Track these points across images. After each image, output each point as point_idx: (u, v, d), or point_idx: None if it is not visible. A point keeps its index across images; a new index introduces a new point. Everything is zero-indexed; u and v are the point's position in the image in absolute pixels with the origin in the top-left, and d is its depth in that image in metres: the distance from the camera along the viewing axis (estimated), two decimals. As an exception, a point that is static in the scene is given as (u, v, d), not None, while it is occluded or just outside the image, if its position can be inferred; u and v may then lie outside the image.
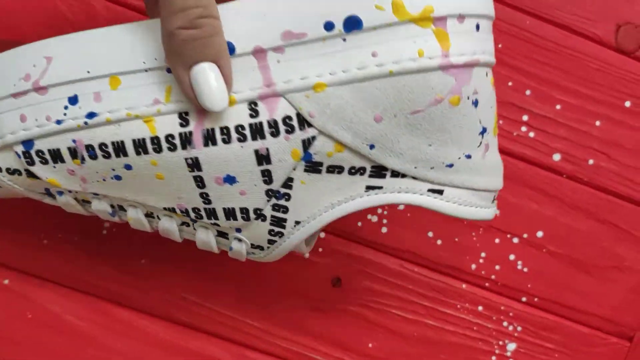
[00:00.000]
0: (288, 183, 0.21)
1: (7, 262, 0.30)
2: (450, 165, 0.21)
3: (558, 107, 0.32)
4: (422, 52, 0.19)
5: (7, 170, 0.22)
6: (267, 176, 0.21)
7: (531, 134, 0.32)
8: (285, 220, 0.22)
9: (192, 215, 0.22)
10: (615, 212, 0.33)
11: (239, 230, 0.22)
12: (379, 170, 0.21)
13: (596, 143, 0.32)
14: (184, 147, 0.20)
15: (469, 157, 0.21)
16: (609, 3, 0.32)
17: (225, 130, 0.20)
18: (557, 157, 0.32)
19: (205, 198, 0.21)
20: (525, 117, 0.32)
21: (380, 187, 0.21)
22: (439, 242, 0.32)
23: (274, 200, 0.21)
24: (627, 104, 0.32)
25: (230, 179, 0.21)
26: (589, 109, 0.32)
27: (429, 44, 0.19)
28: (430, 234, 0.32)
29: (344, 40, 0.19)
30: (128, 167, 0.21)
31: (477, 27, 0.20)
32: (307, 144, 0.20)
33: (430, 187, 0.21)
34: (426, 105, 0.20)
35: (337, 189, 0.21)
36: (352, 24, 0.19)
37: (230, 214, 0.22)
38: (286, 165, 0.21)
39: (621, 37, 0.32)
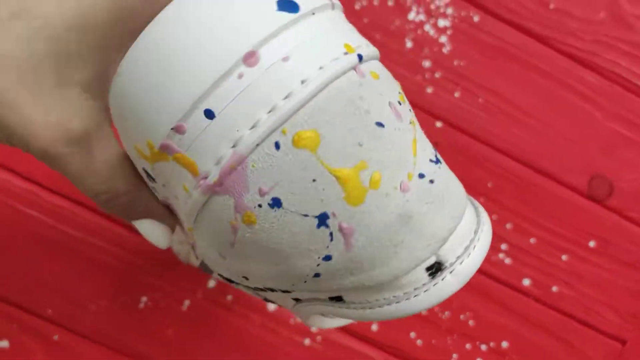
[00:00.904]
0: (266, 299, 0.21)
1: (58, 321, 0.35)
2: (317, 275, 0.16)
3: (532, 240, 0.38)
4: (186, 188, 0.16)
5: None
6: (258, 293, 0.20)
7: (507, 261, 0.38)
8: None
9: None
10: (572, 332, 0.38)
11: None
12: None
13: (561, 274, 0.38)
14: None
15: (328, 258, 0.16)
16: (585, 157, 0.38)
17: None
18: (526, 281, 0.38)
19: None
20: (503, 246, 0.38)
21: (299, 300, 0.18)
22: (418, 342, 0.38)
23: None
24: (592, 244, 0.38)
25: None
26: (558, 245, 0.38)
27: (182, 177, 0.16)
28: (413, 335, 0.38)
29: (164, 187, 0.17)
30: None
31: (209, 113, 0.15)
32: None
33: (328, 295, 0.17)
34: (232, 239, 0.16)
35: (279, 300, 0.20)
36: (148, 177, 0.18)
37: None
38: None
39: (592, 187, 0.38)
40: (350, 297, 0.17)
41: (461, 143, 0.37)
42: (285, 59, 0.14)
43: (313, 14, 0.15)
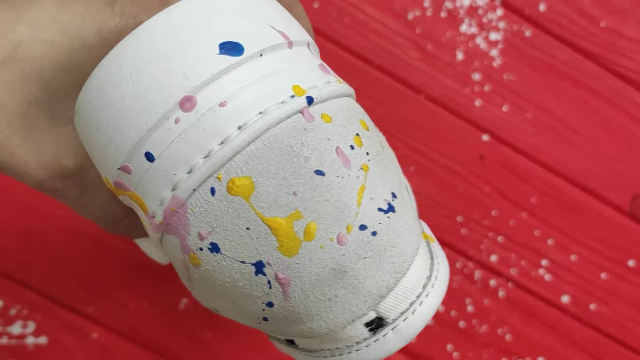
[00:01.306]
0: None
1: (98, 319, 0.35)
2: (266, 319, 0.16)
3: (573, 257, 0.38)
4: (144, 223, 0.16)
5: None
6: None
7: (547, 277, 0.38)
8: None
9: None
10: (607, 351, 0.38)
11: None
12: None
13: (600, 292, 0.38)
14: None
15: (270, 305, 0.16)
16: (628, 176, 0.38)
17: None
18: (565, 298, 0.38)
19: None
20: (544, 262, 0.38)
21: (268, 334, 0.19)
22: (455, 354, 0.38)
23: None
24: (631, 263, 0.38)
25: None
26: (598, 262, 0.38)
27: (140, 212, 0.16)
28: (449, 347, 0.38)
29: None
30: None
31: (149, 156, 0.15)
32: None
33: (284, 337, 0.18)
34: (187, 275, 0.16)
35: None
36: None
37: None
38: None
39: (634, 207, 0.38)
40: (301, 343, 0.17)
41: (507, 157, 0.37)
42: (222, 104, 0.14)
43: (261, 55, 0.15)
